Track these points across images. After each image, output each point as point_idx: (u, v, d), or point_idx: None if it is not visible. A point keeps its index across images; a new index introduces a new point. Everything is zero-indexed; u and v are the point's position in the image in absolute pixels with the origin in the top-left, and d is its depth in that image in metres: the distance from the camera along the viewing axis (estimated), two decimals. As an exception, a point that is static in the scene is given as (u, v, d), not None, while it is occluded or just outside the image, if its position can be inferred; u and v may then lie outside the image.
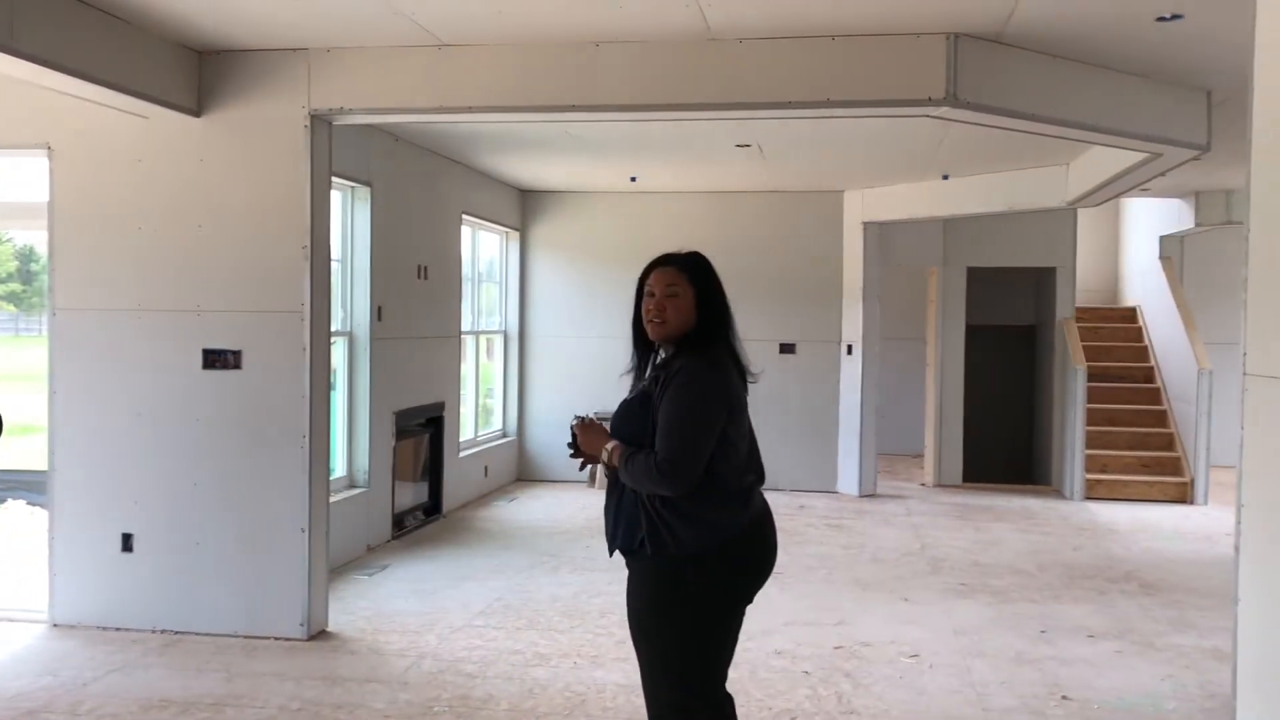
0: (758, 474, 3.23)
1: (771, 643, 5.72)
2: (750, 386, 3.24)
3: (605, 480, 3.25)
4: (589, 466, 3.28)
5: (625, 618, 3.23)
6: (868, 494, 10.73)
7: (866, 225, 10.72)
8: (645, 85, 5.33)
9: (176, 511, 5.74)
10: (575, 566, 7.49)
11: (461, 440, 10.03)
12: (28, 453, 6.23)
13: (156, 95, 5.38)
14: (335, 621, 5.96)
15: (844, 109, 5.38)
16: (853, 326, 10.83)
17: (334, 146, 5.88)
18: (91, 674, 5.11)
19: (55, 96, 5.53)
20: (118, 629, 5.76)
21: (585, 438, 3.23)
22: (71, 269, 5.81)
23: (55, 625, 5.82)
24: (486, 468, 10.57)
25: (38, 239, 5.68)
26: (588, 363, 11.10)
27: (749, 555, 3.13)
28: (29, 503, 9.70)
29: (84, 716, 4.59)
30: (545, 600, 6.59)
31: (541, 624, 6.08)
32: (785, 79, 5.23)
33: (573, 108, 5.44)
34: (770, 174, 9.90)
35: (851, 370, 10.85)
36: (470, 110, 5.54)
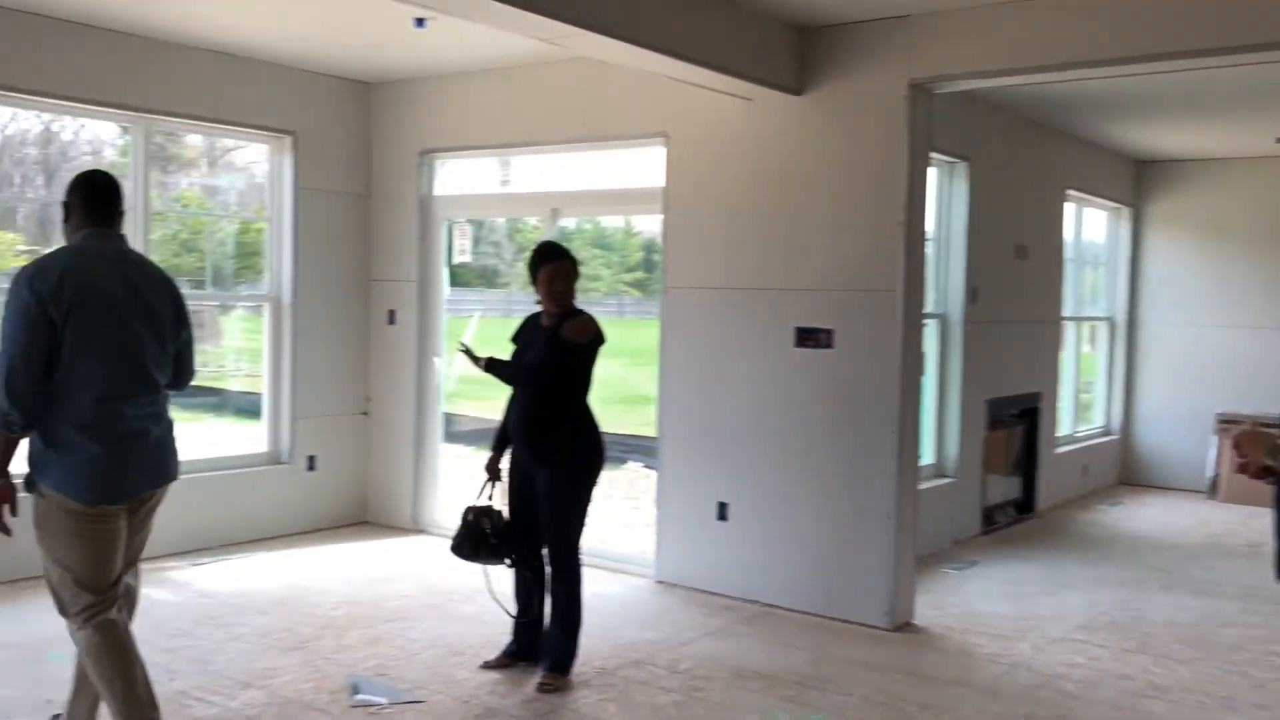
0: None
1: None
2: None
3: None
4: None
5: (1261, 656, 2.56)
6: None
7: None
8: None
9: (767, 486, 5.84)
10: (1194, 588, 6.49)
11: (1058, 435, 9.24)
12: (644, 420, 6.71)
13: (763, 76, 5.47)
14: (921, 615, 5.69)
15: None
16: None
17: (931, 120, 5.58)
18: (689, 634, 5.35)
19: (670, 87, 5.86)
20: (712, 593, 6.00)
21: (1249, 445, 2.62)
22: (680, 249, 6.15)
23: (659, 582, 6.22)
24: (1085, 467, 9.65)
25: (656, 226, 6.08)
26: (1213, 357, 9.68)
27: None
28: (644, 465, 10.69)
29: (680, 674, 4.79)
30: (1159, 623, 5.76)
31: (1155, 649, 5.30)
32: None
33: (1232, 49, 4.60)
34: None
35: None
36: (1089, 64, 4.93)
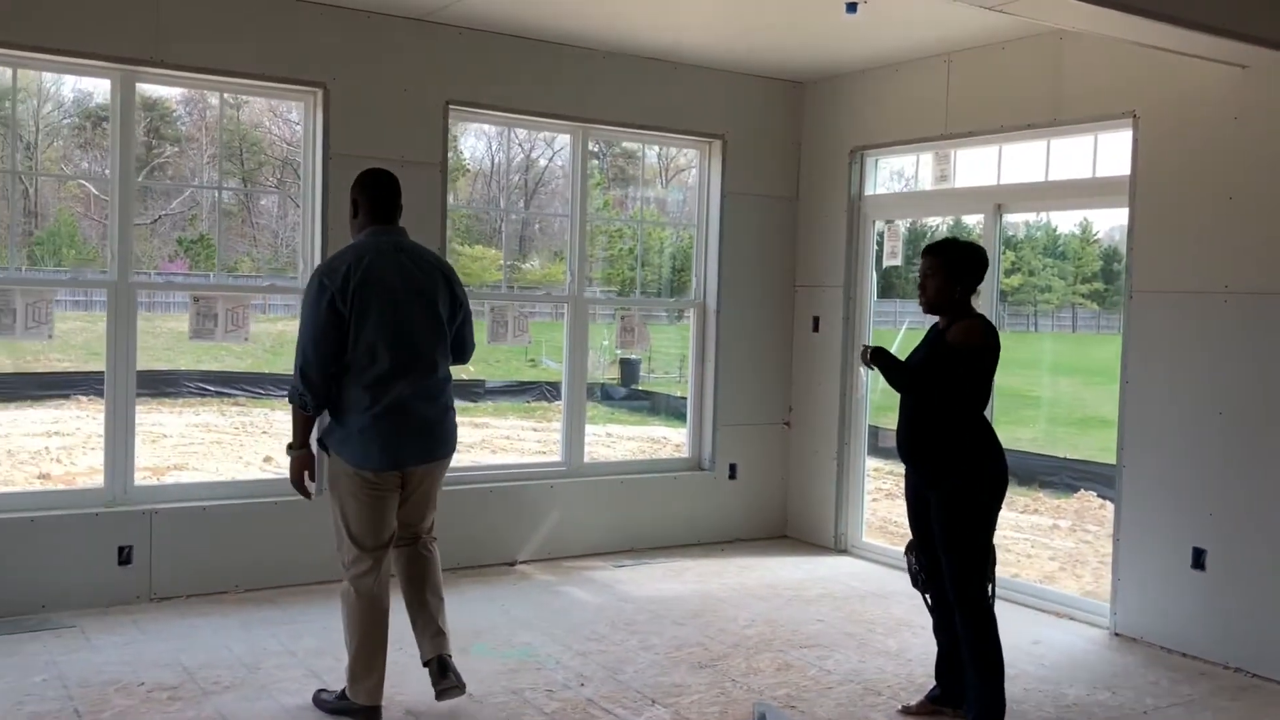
0: None
1: None
2: None
3: None
4: None
5: None
6: None
7: None
8: None
9: (1258, 531, 4.81)
10: None
11: None
12: (1100, 445, 5.85)
13: (1262, 34, 4.50)
14: None
15: None
16: None
17: None
18: (1152, 700, 4.51)
19: (1141, 57, 5.04)
20: (1184, 654, 5.06)
21: None
22: (1150, 247, 5.26)
23: (1116, 634, 5.35)
24: None
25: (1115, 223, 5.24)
26: None
27: None
28: (1099, 495, 9.56)
29: (1142, 751, 4.01)
30: None
31: None
32: None
33: None
34: None
35: None
36: None
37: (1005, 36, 5.79)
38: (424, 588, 4.06)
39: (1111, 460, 5.49)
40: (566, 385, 6.78)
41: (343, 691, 3.96)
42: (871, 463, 7.14)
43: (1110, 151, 5.54)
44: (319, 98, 5.72)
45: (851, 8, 5.10)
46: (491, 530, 6.28)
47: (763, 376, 7.20)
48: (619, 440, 14.25)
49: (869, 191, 6.92)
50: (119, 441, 5.42)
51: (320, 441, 3.97)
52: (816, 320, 7.11)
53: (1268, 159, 4.81)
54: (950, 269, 4.07)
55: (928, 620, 4.32)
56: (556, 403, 18.50)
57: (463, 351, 4.09)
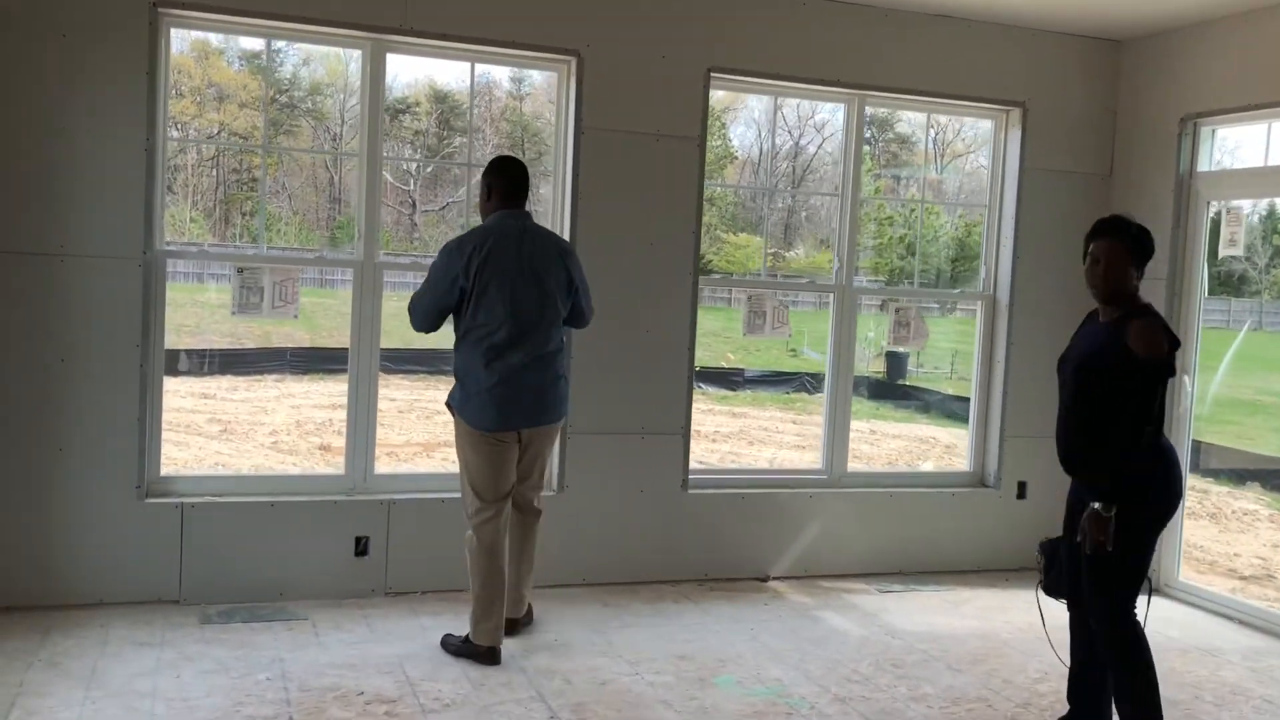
0: None
1: None
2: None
3: None
4: None
5: None
6: None
7: None
8: None
9: None
10: None
11: None
12: None
13: None
14: None
15: None
16: None
17: None
18: None
19: None
20: None
21: None
22: None
23: None
24: None
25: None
26: None
27: None
28: None
29: None
30: None
31: None
32: None
33: None
34: None
35: None
36: None
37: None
38: (519, 553, 4.55)
39: None
40: (830, 384, 6.08)
41: (466, 636, 4.32)
42: (1197, 485, 6.02)
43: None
44: (572, 67, 5.30)
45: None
46: (743, 541, 5.71)
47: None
48: (883, 439, 13.35)
49: (1202, 168, 5.82)
50: (360, 429, 5.22)
51: (447, 402, 4.37)
52: (1129, 319, 6.06)
53: None
54: (1134, 252, 3.56)
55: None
56: (818, 395, 17.79)
57: (580, 319, 4.55)
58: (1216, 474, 6.29)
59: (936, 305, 15.77)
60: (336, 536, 5.05)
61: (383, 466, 6.13)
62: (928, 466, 11.08)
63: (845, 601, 5.47)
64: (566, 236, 5.25)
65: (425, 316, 4.32)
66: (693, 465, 5.67)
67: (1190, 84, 5.76)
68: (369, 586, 5.10)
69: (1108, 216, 3.74)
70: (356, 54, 5.14)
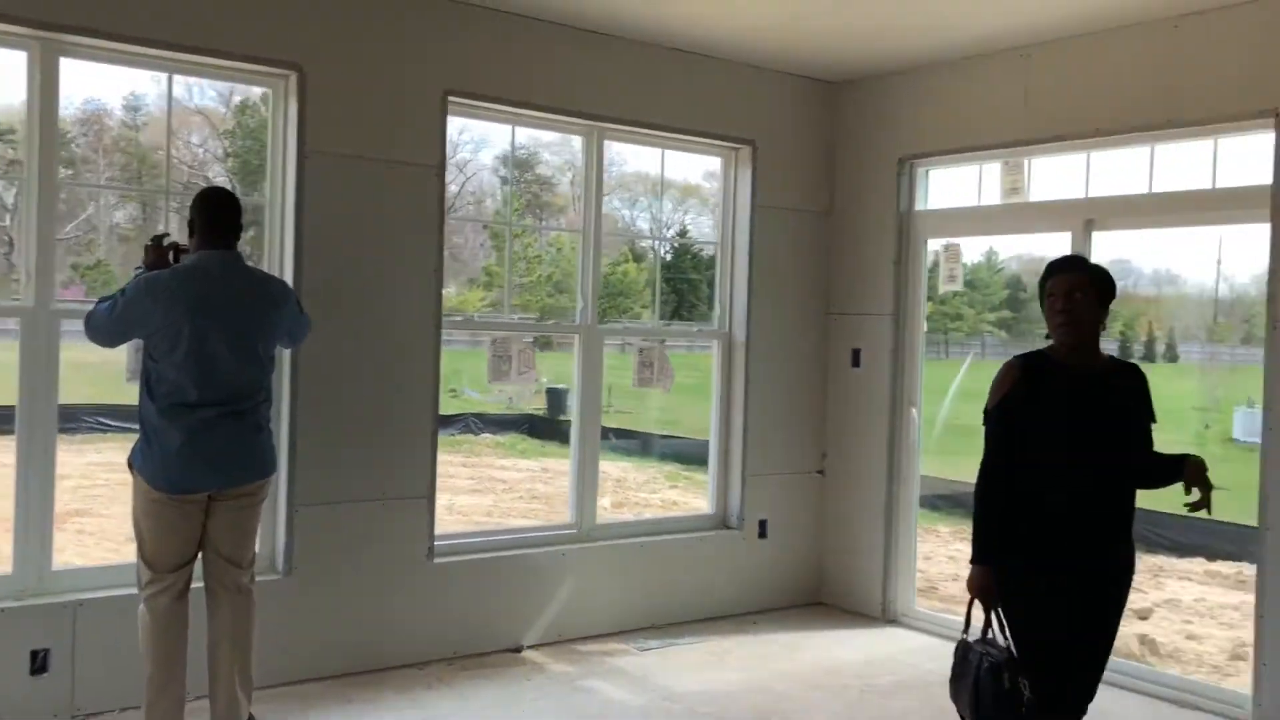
0: None
1: None
2: None
3: None
4: None
5: None
6: None
7: None
8: None
9: None
10: None
11: None
12: (1241, 507, 5.04)
13: None
14: None
15: None
16: None
17: None
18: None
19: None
20: (1355, 757, 4.22)
21: None
22: (1299, 269, 4.46)
23: (1258, 729, 4.50)
24: None
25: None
26: None
27: None
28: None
29: None
30: None
31: None
32: None
33: None
34: None
35: None
36: None
37: (1106, 25, 4.97)
38: (231, 645, 3.85)
39: (1250, 520, 4.65)
40: (577, 431, 5.72)
41: None
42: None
43: (1240, 159, 4.74)
44: (292, 82, 4.63)
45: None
46: (493, 609, 5.20)
47: (795, 418, 6.25)
48: (557, 476, 13.04)
49: (919, 206, 6.05)
50: (32, 513, 4.22)
51: (129, 459, 3.81)
52: (857, 353, 6.19)
53: None
54: (1100, 289, 3.26)
55: None
56: (484, 435, 17.29)
57: (295, 343, 4.24)
58: (931, 502, 6.57)
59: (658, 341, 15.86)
60: (4, 651, 4.04)
61: (69, 558, 5.05)
62: (605, 502, 10.97)
63: (609, 666, 5.10)
64: (288, 278, 4.57)
65: (108, 337, 3.83)
66: (438, 530, 5.10)
67: (906, 126, 5.98)
68: (49, 711, 4.11)
69: (1068, 256, 3.53)
70: (20, 57, 4.19)
